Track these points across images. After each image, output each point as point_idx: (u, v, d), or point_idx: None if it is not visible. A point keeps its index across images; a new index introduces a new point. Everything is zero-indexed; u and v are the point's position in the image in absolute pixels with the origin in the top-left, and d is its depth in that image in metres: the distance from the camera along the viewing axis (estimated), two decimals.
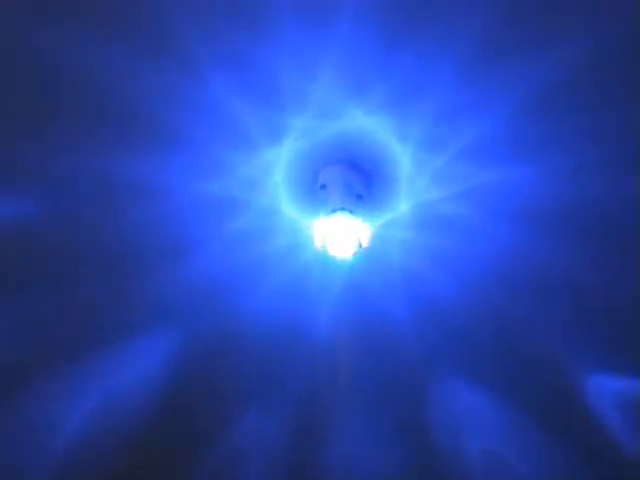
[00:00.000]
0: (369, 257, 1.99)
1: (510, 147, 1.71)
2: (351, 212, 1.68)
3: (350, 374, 2.25)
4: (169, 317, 2.13)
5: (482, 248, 1.96)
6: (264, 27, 1.48)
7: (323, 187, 1.81)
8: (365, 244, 1.69)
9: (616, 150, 1.69)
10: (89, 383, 2.26)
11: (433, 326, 2.16)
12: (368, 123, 1.68)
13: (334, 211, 1.68)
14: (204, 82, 1.57)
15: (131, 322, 2.13)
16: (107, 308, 2.09)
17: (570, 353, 2.19)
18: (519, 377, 2.27)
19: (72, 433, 2.32)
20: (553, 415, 2.36)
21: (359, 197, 1.81)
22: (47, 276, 1.99)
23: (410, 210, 1.91)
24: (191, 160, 1.75)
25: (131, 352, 2.21)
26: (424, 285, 2.07)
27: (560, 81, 1.56)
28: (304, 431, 2.44)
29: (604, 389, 2.29)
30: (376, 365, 2.28)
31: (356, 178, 1.78)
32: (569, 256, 1.95)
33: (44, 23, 1.45)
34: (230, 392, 2.35)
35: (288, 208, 1.91)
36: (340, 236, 1.66)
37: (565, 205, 1.83)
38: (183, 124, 1.66)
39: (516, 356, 2.21)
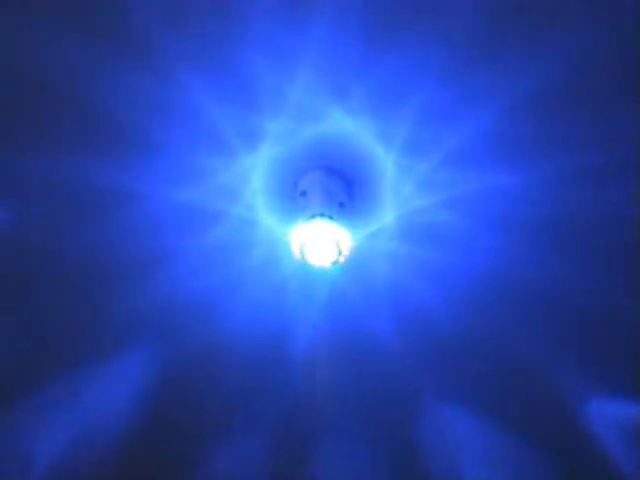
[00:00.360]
0: (352, 269, 1.92)
1: (497, 152, 1.66)
2: (331, 218, 1.61)
3: (333, 389, 2.19)
4: (147, 331, 2.08)
5: (469, 258, 1.90)
6: (241, 27, 1.43)
7: (303, 194, 1.74)
8: (346, 252, 1.61)
9: (607, 156, 1.64)
10: (66, 403, 2.22)
11: (419, 340, 2.10)
12: (349, 127, 1.63)
13: (313, 217, 1.62)
14: (177, 84, 1.52)
15: (107, 337, 2.08)
16: (80, 324, 2.03)
17: (562, 368, 2.14)
18: (508, 392, 2.21)
19: (50, 456, 2.30)
20: (543, 431, 2.30)
21: (341, 205, 1.74)
22: (11, 290, 1.92)
23: (395, 219, 1.85)
24: (165, 166, 1.70)
25: (108, 369, 2.17)
26: (409, 297, 2.01)
27: (547, 84, 1.51)
28: (287, 446, 2.38)
29: (599, 406, 2.22)
30: (360, 380, 2.22)
31: (338, 184, 1.72)
32: (559, 266, 1.90)
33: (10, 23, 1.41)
34: (212, 407, 2.30)
35: (267, 217, 1.85)
36: (319, 243, 1.59)
37: (555, 213, 1.78)
38: (156, 128, 1.61)
39: (505, 371, 2.16)
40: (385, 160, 1.71)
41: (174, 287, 1.97)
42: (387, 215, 1.84)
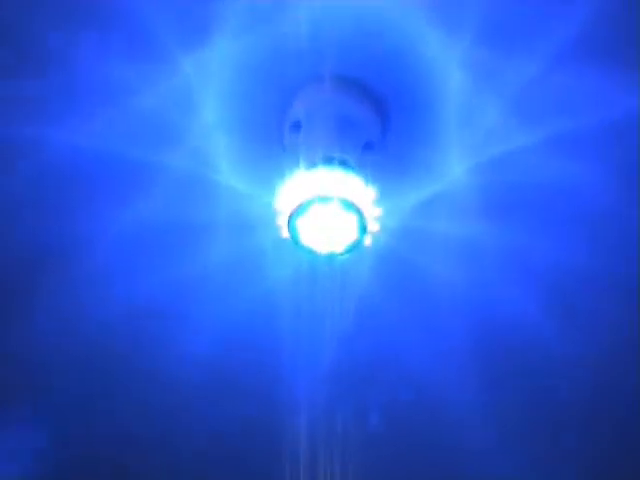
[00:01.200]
0: (390, 265, 1.42)
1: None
2: (346, 165, 1.08)
3: (347, 449, 1.67)
4: (64, 365, 1.61)
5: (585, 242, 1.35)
6: None
7: (296, 127, 1.19)
8: (373, 227, 1.13)
9: None
10: None
11: (490, 371, 1.63)
12: None
13: (314, 165, 1.09)
14: None
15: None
16: None
17: None
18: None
19: None
20: None
21: (367, 146, 1.20)
22: None
23: (467, 175, 1.26)
24: (57, 88, 1.17)
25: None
26: (479, 306, 1.51)
27: None
28: None
29: None
30: (389, 437, 1.76)
31: (360, 109, 1.17)
32: None
33: None
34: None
35: (233, 174, 1.31)
36: (325, 212, 1.10)
37: None
38: (37, 28, 1.08)
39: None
40: (448, 61, 1.09)
41: (99, 294, 1.49)
42: (453, 167, 1.26)
